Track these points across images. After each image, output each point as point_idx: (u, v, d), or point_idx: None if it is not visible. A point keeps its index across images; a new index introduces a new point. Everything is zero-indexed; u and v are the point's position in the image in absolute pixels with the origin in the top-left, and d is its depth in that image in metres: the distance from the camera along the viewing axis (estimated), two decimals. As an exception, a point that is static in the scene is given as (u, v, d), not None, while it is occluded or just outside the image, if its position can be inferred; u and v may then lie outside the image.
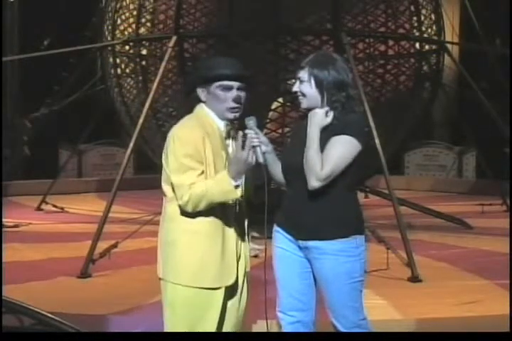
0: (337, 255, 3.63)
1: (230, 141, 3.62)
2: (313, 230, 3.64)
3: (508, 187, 10.46)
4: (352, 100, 3.68)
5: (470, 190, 13.47)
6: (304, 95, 3.66)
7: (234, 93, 3.53)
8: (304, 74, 3.65)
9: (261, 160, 3.57)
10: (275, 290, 3.81)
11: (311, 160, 3.56)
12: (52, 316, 2.69)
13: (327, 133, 3.61)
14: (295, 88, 3.68)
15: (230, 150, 3.60)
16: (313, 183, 3.57)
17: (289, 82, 8.48)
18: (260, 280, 3.62)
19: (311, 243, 3.65)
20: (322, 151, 3.59)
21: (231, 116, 3.55)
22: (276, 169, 3.76)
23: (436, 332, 4.63)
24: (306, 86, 3.65)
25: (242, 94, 3.55)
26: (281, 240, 3.77)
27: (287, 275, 3.77)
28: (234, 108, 3.53)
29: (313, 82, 3.63)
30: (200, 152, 3.44)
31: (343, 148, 3.58)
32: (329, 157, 3.56)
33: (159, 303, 3.68)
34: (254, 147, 3.55)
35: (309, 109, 3.70)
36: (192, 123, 3.54)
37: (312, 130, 3.61)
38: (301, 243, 3.69)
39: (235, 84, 3.53)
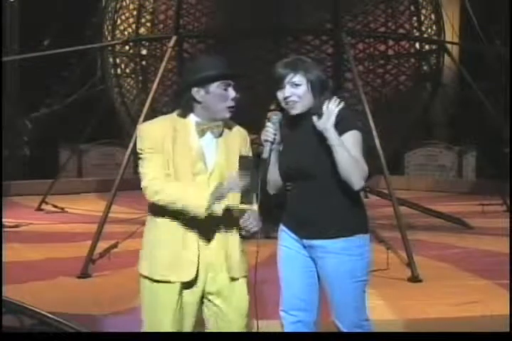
0: (340, 254, 3.64)
1: (204, 140, 3.58)
2: (317, 229, 3.65)
3: (508, 187, 10.45)
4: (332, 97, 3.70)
5: (470, 190, 13.47)
6: (299, 99, 3.63)
7: (233, 92, 3.53)
8: (299, 78, 3.63)
9: (266, 155, 3.59)
10: (279, 290, 3.81)
11: (356, 162, 3.54)
12: (52, 316, 2.69)
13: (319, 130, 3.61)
14: (287, 93, 3.62)
15: (205, 149, 3.57)
16: (362, 182, 3.58)
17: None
18: (259, 280, 3.62)
19: (315, 242, 3.67)
20: (321, 147, 3.59)
21: (228, 115, 3.55)
22: (275, 171, 3.77)
23: (437, 332, 4.63)
24: (302, 90, 3.63)
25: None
26: (286, 239, 3.78)
27: (291, 275, 3.77)
28: (232, 107, 3.54)
29: (309, 85, 3.63)
30: (158, 146, 3.48)
31: (354, 143, 3.61)
32: (357, 156, 3.59)
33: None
34: (266, 141, 3.56)
35: (301, 114, 3.67)
36: (157, 120, 3.61)
37: (331, 136, 3.54)
38: (306, 242, 3.70)
39: (231, 83, 3.55)
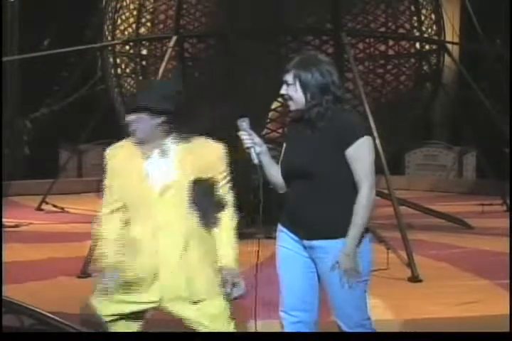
0: None
1: (151, 161, 3.59)
2: (318, 229, 3.65)
3: (508, 187, 10.45)
4: (340, 101, 3.70)
5: (470, 189, 13.47)
6: (290, 98, 3.67)
7: (128, 117, 3.59)
8: (289, 77, 3.65)
9: (256, 161, 3.66)
10: (278, 291, 3.81)
11: (365, 215, 3.67)
12: (53, 316, 2.68)
13: (325, 134, 3.62)
14: (282, 91, 3.69)
15: (153, 170, 3.57)
16: (373, 194, 3.71)
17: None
18: (260, 280, 3.63)
19: (315, 242, 3.66)
20: (327, 152, 3.60)
21: (135, 136, 3.60)
22: (272, 171, 3.76)
23: (436, 332, 4.64)
24: (291, 89, 3.65)
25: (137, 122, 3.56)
26: (285, 240, 3.78)
27: (291, 275, 3.77)
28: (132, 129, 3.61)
29: (298, 84, 3.63)
30: (115, 175, 3.62)
31: (370, 150, 3.65)
32: (363, 165, 3.62)
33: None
34: (248, 148, 3.61)
35: (298, 112, 3.70)
36: (121, 143, 3.71)
37: (353, 243, 3.62)
38: (306, 242, 3.70)
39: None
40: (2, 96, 12.33)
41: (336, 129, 3.61)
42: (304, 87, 3.62)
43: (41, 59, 10.65)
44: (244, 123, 3.62)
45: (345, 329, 3.73)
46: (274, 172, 3.77)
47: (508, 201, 10.76)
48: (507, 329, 4.26)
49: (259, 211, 3.71)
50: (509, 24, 10.48)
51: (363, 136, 3.62)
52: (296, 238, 3.74)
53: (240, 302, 3.70)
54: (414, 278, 6.77)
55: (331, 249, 3.63)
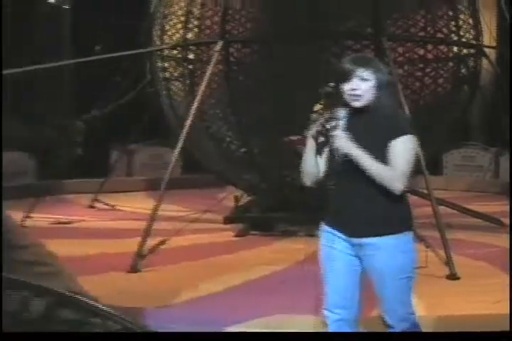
0: (392, 250, 3.78)
1: None
2: (367, 227, 3.77)
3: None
4: (393, 100, 3.96)
5: (506, 190, 13.46)
6: (364, 93, 3.75)
7: None
8: (366, 73, 3.75)
9: (319, 154, 3.78)
10: (321, 287, 3.98)
11: (380, 172, 3.71)
12: (111, 310, 2.54)
13: (379, 132, 3.77)
14: (354, 86, 3.73)
15: None
16: (398, 185, 3.74)
17: (330, 85, 8.67)
18: (309, 277, 3.81)
19: (365, 240, 3.79)
20: (375, 150, 3.73)
21: None
22: (315, 163, 3.82)
23: (438, 332, 4.76)
24: (366, 85, 3.75)
25: None
26: (330, 239, 3.88)
27: (334, 274, 3.89)
28: None
29: (375, 82, 3.77)
30: None
31: (409, 148, 3.78)
32: (401, 156, 3.73)
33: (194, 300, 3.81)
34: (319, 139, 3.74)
35: (360, 108, 3.80)
36: None
37: (354, 152, 3.71)
38: (355, 240, 3.81)
39: None
40: (2, 99, 12.57)
41: (389, 128, 3.77)
42: (379, 84, 3.78)
43: (95, 63, 10.90)
44: (314, 116, 3.78)
45: (390, 322, 3.89)
46: (315, 165, 3.82)
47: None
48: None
49: (302, 209, 3.88)
50: (509, 25, 10.48)
51: (408, 134, 3.77)
52: (342, 236, 3.84)
53: (282, 299, 3.84)
54: (452, 276, 6.89)
55: (381, 245, 3.77)
